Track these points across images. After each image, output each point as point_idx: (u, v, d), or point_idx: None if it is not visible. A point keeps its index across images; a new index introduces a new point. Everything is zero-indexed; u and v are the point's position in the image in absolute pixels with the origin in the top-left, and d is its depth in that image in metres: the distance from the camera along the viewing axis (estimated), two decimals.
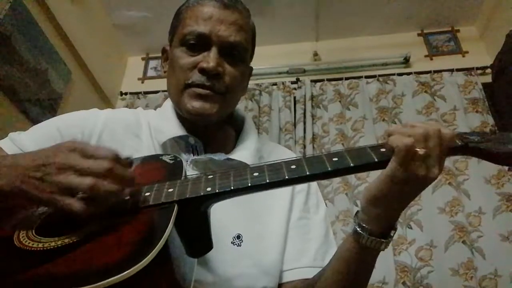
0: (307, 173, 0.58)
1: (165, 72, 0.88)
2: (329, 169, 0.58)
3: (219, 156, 0.80)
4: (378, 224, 0.62)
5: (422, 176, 0.56)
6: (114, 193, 0.54)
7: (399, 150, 0.56)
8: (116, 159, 0.57)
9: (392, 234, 0.63)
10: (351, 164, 0.58)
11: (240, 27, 0.81)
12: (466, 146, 0.61)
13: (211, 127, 0.83)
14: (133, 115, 0.89)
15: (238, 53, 0.81)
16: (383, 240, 0.62)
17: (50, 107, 2.07)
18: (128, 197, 0.57)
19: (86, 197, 0.54)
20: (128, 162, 0.60)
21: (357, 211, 0.66)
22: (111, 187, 0.54)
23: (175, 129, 0.82)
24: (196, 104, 0.78)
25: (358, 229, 0.63)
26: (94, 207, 0.54)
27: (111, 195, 0.54)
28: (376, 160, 0.59)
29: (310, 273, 0.78)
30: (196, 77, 0.78)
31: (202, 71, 0.77)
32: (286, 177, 0.58)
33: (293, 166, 0.59)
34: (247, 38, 0.84)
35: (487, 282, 1.76)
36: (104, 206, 0.55)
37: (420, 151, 0.55)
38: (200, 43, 0.79)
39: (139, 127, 0.86)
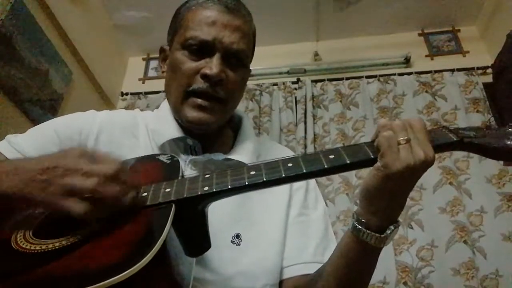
0: (304, 170, 0.59)
1: (163, 72, 0.87)
2: (326, 166, 0.59)
3: (218, 156, 0.80)
4: (376, 218, 0.62)
5: (412, 165, 0.57)
6: (117, 196, 0.55)
7: (381, 143, 0.59)
8: (122, 165, 0.58)
9: (389, 231, 0.62)
10: (347, 161, 0.59)
11: (243, 33, 0.81)
12: (462, 141, 0.61)
13: (209, 130, 0.83)
14: (130, 116, 0.89)
15: (241, 59, 0.81)
16: (381, 235, 0.62)
17: (51, 107, 2.08)
18: (129, 202, 0.57)
19: (89, 200, 0.54)
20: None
21: None
22: (115, 190, 0.55)
23: (174, 131, 0.82)
24: (197, 115, 0.78)
25: (356, 223, 0.64)
26: (96, 210, 0.54)
27: (113, 198, 0.55)
28: (372, 156, 0.59)
29: (310, 269, 0.78)
30: (198, 83, 0.78)
31: (205, 77, 0.77)
32: (283, 175, 0.59)
33: (290, 164, 0.60)
34: (249, 43, 0.84)
35: (488, 282, 1.76)
36: (106, 210, 0.55)
37: (402, 140, 0.58)
38: (202, 49, 0.78)
39: (137, 128, 0.86)
